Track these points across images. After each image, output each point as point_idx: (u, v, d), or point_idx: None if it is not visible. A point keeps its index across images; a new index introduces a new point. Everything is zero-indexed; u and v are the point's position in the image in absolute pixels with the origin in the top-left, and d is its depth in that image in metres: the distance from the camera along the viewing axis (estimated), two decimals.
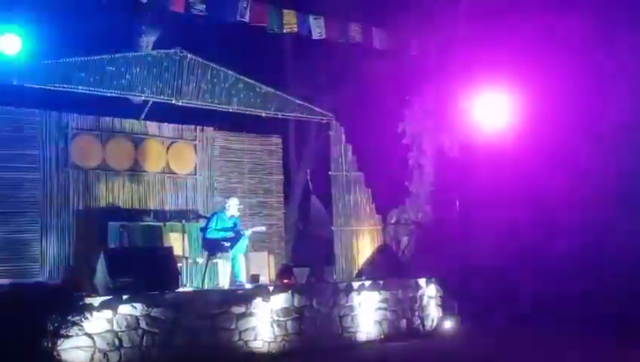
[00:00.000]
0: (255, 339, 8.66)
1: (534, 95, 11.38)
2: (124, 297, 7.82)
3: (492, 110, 12.11)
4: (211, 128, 11.98)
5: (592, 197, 10.95)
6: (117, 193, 10.80)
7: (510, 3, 11.48)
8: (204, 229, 9.91)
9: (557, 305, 10.35)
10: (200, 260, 10.38)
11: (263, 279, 10.34)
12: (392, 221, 13.01)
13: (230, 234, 9.73)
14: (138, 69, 10.06)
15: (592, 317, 9.72)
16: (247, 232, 9.91)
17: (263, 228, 10.60)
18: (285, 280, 10.19)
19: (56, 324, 7.11)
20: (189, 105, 10.63)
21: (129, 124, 11.12)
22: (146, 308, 7.89)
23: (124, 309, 7.78)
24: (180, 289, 8.81)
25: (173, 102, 10.46)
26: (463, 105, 12.25)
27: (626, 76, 11.17)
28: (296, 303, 9.10)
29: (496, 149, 11.84)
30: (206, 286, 9.94)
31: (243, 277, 9.71)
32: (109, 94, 9.89)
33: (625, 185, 11.03)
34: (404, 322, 10.30)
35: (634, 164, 11.03)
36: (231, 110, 10.98)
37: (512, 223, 11.53)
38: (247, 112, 11.16)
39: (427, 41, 12.18)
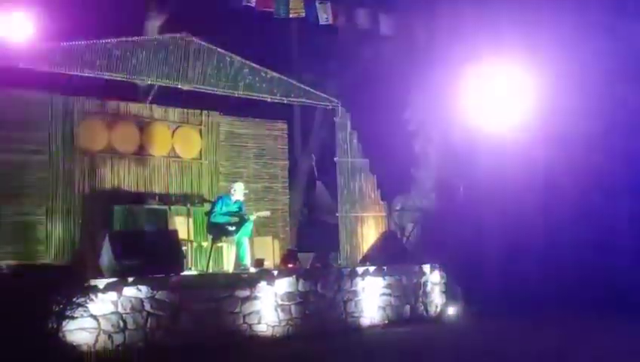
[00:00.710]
0: (259, 323, 8.71)
1: (542, 83, 11.34)
2: (129, 279, 7.86)
3: (499, 97, 12.08)
4: (217, 113, 11.98)
5: (597, 185, 10.93)
6: (122, 176, 10.82)
7: None
8: (209, 213, 9.94)
9: (561, 292, 10.36)
10: (205, 244, 10.40)
11: (268, 263, 10.37)
12: (397, 208, 13.03)
13: (235, 219, 9.75)
14: (144, 53, 10.04)
15: (598, 304, 9.75)
16: (252, 217, 9.93)
17: (267, 213, 10.61)
18: (290, 265, 10.23)
19: (61, 306, 7.15)
20: (195, 89, 10.62)
21: (135, 107, 11.14)
22: (150, 291, 7.93)
23: (129, 291, 7.82)
24: (185, 273, 8.84)
25: (179, 86, 10.46)
26: (470, 92, 12.21)
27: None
28: (300, 288, 9.14)
29: (501, 137, 11.81)
30: (211, 270, 9.98)
31: (247, 261, 9.74)
32: (115, 78, 9.90)
33: (630, 174, 11.02)
34: (407, 308, 10.33)
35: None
36: (236, 95, 10.98)
37: (516, 210, 11.52)
38: (253, 97, 11.15)
39: (435, 28, 12.13)
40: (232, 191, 9.95)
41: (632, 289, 9.88)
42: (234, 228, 9.70)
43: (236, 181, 10.45)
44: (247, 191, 10.17)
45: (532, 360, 7.33)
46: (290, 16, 11.01)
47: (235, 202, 9.88)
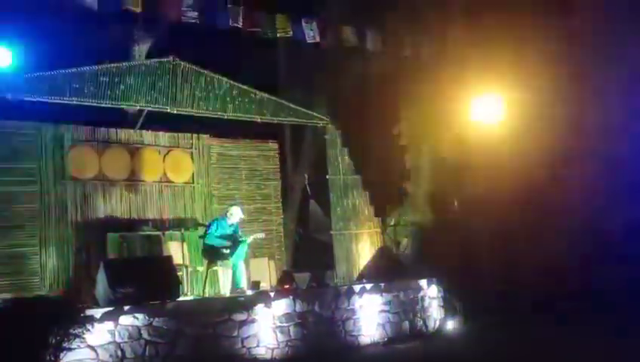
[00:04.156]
0: (258, 346, 8.62)
1: (530, 94, 11.38)
2: (126, 308, 7.78)
3: (488, 110, 12.10)
4: (207, 135, 11.95)
5: (588, 196, 10.95)
6: (115, 203, 10.77)
7: (504, 3, 11.48)
8: (203, 235, 9.88)
9: (558, 303, 10.34)
10: (200, 268, 10.34)
11: (264, 285, 10.31)
12: (392, 223, 13.00)
13: (229, 243, 9.69)
14: (132, 79, 10.06)
15: (595, 317, 9.72)
16: (247, 239, 9.87)
17: (262, 235, 10.55)
18: (286, 286, 10.17)
19: (58, 337, 7.07)
20: (184, 113, 10.61)
21: (125, 133, 11.10)
22: (147, 318, 7.85)
23: (126, 320, 7.74)
24: (181, 298, 8.78)
25: (168, 110, 10.45)
26: (459, 105, 12.23)
27: (621, 76, 11.19)
28: (298, 308, 9.07)
29: (493, 149, 11.82)
30: (207, 294, 9.90)
31: (244, 284, 9.67)
32: (103, 105, 9.87)
33: (620, 185, 11.04)
34: (406, 324, 10.26)
35: (629, 164, 11.04)
36: (226, 117, 10.97)
37: (510, 222, 11.51)
38: (243, 118, 11.15)
39: (421, 42, 12.17)
40: (228, 214, 9.89)
41: (628, 297, 9.85)
42: (229, 251, 9.65)
43: (234, 205, 10.34)
44: (244, 216, 10.10)
45: None
46: (278, 35, 11.01)
47: (231, 225, 9.83)
